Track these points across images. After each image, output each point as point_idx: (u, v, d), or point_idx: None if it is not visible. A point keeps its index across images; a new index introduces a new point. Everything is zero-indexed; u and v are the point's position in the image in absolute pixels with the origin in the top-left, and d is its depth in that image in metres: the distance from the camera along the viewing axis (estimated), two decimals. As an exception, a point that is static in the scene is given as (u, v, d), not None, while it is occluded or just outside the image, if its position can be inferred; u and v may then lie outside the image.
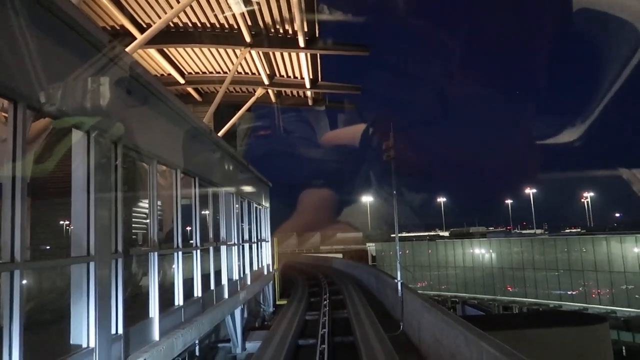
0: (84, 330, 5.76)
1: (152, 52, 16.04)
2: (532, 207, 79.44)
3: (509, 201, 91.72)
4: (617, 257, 42.83)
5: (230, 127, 19.36)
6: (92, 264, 5.84)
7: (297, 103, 21.95)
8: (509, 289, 50.10)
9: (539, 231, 75.82)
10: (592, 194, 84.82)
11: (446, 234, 76.91)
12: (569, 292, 45.67)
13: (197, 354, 11.67)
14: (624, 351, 40.90)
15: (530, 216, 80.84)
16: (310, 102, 21.74)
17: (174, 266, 9.60)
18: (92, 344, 5.76)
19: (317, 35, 15.58)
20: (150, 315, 7.81)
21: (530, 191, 79.67)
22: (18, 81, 4.71)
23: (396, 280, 17.54)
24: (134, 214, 13.41)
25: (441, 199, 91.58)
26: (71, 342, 5.74)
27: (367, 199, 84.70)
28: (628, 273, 41.84)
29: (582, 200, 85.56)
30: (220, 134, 17.71)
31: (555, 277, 47.00)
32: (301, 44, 15.43)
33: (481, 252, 54.00)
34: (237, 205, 15.73)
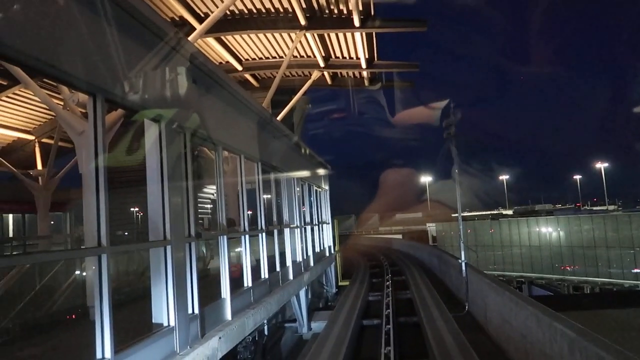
0: (164, 309, 6.10)
1: (211, 41, 16.38)
2: (603, 182, 74.86)
3: (577, 177, 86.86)
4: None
5: (287, 111, 19.52)
6: (168, 248, 6.15)
7: (353, 84, 21.74)
8: (575, 267, 47.83)
9: (611, 207, 71.40)
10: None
11: (510, 212, 74.20)
12: (647, 271, 42.93)
13: (265, 333, 12.07)
14: None
15: (601, 192, 76.20)
16: (366, 83, 21.47)
17: (240, 249, 9.93)
18: (172, 323, 6.09)
19: (372, 14, 15.28)
20: (222, 296, 8.13)
21: (601, 165, 74.97)
22: (96, 75, 4.96)
23: (460, 261, 17.23)
24: (201, 200, 13.97)
25: (504, 177, 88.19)
26: (153, 321, 6.09)
27: (425, 179, 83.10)
28: None
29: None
30: (278, 118, 17.94)
31: (631, 256, 44.26)
32: (356, 23, 15.19)
33: (548, 230, 51.69)
34: (298, 189, 15.96)
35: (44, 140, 17.38)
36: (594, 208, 73.59)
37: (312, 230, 18.42)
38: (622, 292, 40.47)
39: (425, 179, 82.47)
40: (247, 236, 9.73)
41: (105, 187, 4.88)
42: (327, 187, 23.28)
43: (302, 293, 14.66)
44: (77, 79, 4.70)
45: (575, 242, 48.81)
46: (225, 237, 8.37)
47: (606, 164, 74.51)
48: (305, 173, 17.86)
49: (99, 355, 4.68)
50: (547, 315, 8.54)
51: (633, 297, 31.39)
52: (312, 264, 16.79)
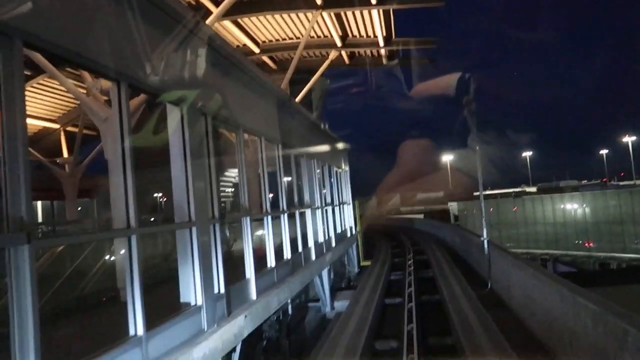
0: (191, 289, 6.29)
1: (227, 24, 16.38)
2: (630, 156, 72.92)
3: (603, 151, 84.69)
4: None
5: (306, 92, 19.50)
6: (194, 229, 6.31)
7: (371, 63, 21.54)
8: (596, 244, 47.11)
9: (639, 182, 69.63)
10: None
11: (533, 189, 73.02)
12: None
13: (290, 312, 12.31)
14: None
15: (629, 167, 74.28)
16: (384, 61, 21.25)
17: (263, 231, 10.09)
18: (199, 302, 6.28)
19: (389, -10, 15.07)
20: (246, 276, 8.32)
21: (628, 139, 72.95)
22: (120, 62, 5.07)
23: (482, 238, 17.15)
24: (221, 183, 14.17)
25: (527, 153, 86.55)
26: (181, 300, 6.29)
27: (447, 157, 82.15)
28: None
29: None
30: (297, 100, 17.94)
31: (660, 231, 43.36)
32: (373, 0, 15.00)
33: (573, 207, 50.84)
34: (318, 170, 16.04)
35: (69, 128, 17.75)
36: (621, 183, 71.86)
37: (333, 211, 18.54)
38: (649, 267, 39.79)
39: (447, 157, 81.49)
40: (269, 218, 9.87)
41: (131, 170, 5.03)
42: (347, 168, 23.31)
43: (324, 273, 14.85)
44: (103, 65, 4.82)
45: (601, 218, 47.94)
46: (248, 218, 8.52)
47: (634, 138, 72.41)
48: (325, 154, 17.91)
49: (132, 332, 4.88)
50: (571, 291, 8.49)
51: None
52: (333, 244, 16.95)
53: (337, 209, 19.70)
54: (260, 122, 10.03)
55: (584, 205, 49.87)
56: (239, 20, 16.64)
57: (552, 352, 9.17)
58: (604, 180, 77.95)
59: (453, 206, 64.55)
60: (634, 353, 5.81)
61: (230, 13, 14.47)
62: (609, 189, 56.10)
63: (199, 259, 6.27)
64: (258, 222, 10.19)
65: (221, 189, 13.94)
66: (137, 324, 4.86)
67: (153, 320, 5.25)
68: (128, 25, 5.22)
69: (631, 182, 69.24)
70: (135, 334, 4.86)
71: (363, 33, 18.41)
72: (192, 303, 6.26)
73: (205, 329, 6.31)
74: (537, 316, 10.56)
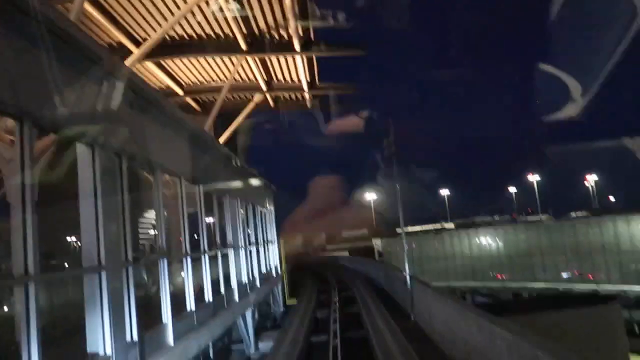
0: (99, 338, 5.94)
1: (150, 65, 16.21)
2: (536, 194, 79.14)
3: (512, 189, 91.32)
4: (624, 237, 42.84)
5: (230, 134, 19.54)
6: (103, 274, 6.02)
7: (295, 106, 22.10)
8: (505, 277, 50.33)
9: (544, 216, 75.50)
10: (595, 177, 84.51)
11: (451, 225, 76.73)
12: (577, 274, 45.67)
13: (211, 356, 11.85)
14: (636, 329, 40.89)
15: (535, 202, 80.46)
16: (308, 105, 21.89)
17: (183, 273, 9.80)
18: (108, 352, 5.94)
19: (312, 38, 15.71)
20: (163, 321, 7.99)
21: (533, 178, 79.35)
22: (23, 99, 4.88)
23: (405, 273, 17.69)
24: (140, 225, 13.64)
25: (444, 191, 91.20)
26: (88, 350, 5.92)
27: (370, 195, 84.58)
28: (636, 252, 41.85)
29: (586, 183, 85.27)
30: (221, 141, 17.91)
31: (564, 261, 47.03)
32: (297, 47, 15.55)
33: (487, 241, 54.02)
34: (242, 211, 15.93)
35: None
36: (529, 218, 77.53)
37: (258, 250, 18.37)
38: (555, 295, 42.81)
39: (370, 196, 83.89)
40: (189, 259, 9.63)
41: (32, 212, 4.78)
42: (272, 208, 23.33)
43: (248, 314, 14.55)
44: (2, 103, 4.62)
45: (513, 251, 51.28)
46: (165, 259, 8.27)
47: (537, 177, 78.84)
48: (249, 194, 17.86)
49: (28, 388, 4.51)
50: (487, 320, 8.95)
51: (565, 299, 33.34)
52: (258, 284, 16.71)
53: (261, 248, 19.54)
54: (179, 163, 9.90)
55: (497, 239, 53.18)
56: (162, 62, 16.53)
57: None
58: (513, 215, 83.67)
59: (377, 243, 66.14)
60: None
61: (152, 55, 14.38)
62: (518, 224, 60.33)
63: (108, 304, 5.97)
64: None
65: (143, 230, 13.43)
66: (35, 379, 4.50)
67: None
68: (35, 62, 5.07)
69: (537, 217, 74.92)
70: (33, 390, 4.50)
71: (287, 78, 18.94)
72: (101, 353, 5.90)
73: (116, 381, 5.96)
74: (458, 346, 10.98)
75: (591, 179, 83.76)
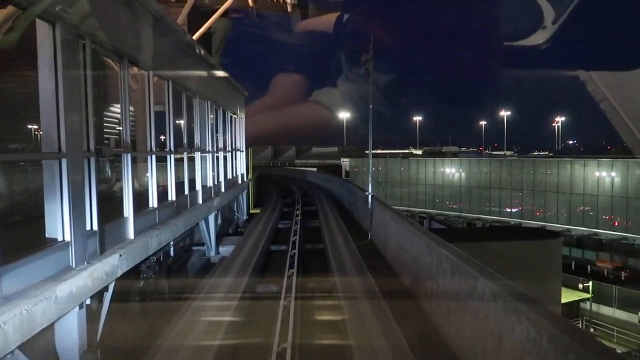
0: (58, 224, 5.87)
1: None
2: (504, 129, 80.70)
3: (482, 122, 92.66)
4: (578, 179, 44.82)
5: (205, 30, 18.54)
6: (64, 161, 5.84)
7: (275, 8, 20.98)
8: (460, 205, 52.72)
9: (509, 153, 77.72)
10: (563, 118, 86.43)
11: (419, 152, 78.17)
12: (530, 212, 48.14)
13: (172, 254, 12.11)
14: (572, 266, 44.22)
15: (504, 139, 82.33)
16: (289, 9, 20.83)
17: (148, 174, 9.67)
18: (67, 238, 5.92)
19: None
20: (124, 215, 7.98)
21: (504, 113, 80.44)
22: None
23: (367, 193, 18.12)
24: (106, 119, 13.16)
25: (417, 118, 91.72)
26: (47, 235, 5.88)
27: (343, 115, 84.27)
28: (587, 195, 44.07)
29: (554, 124, 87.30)
30: (194, 37, 16.99)
31: (519, 197, 49.24)
32: (281, -58, 14.46)
33: (452, 171, 55.57)
34: (212, 115, 15.55)
35: None
36: (494, 152, 79.62)
37: (225, 157, 18.25)
38: (506, 227, 45.29)
39: (344, 115, 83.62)
40: (153, 157, 9.46)
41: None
42: (243, 115, 22.90)
43: (211, 218, 14.74)
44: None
45: (473, 183, 53.12)
46: (129, 155, 8.09)
47: (508, 113, 79.95)
48: (220, 97, 17.36)
49: (-20, 267, 4.48)
50: (436, 243, 9.40)
51: (513, 231, 35.32)
52: (223, 190, 16.79)
53: (229, 155, 19.42)
54: (149, 56, 9.37)
55: (461, 170, 54.74)
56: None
57: (414, 296, 10.18)
58: (480, 149, 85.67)
59: (345, 162, 67.06)
60: (480, 296, 6.69)
61: None
62: (483, 157, 61.96)
63: (68, 193, 5.85)
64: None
65: (109, 125, 12.99)
66: (-13, 257, 4.46)
67: (12, 255, 4.87)
68: None
69: (502, 153, 76.96)
70: (-15, 269, 4.47)
71: (269, -25, 17.78)
72: (59, 239, 5.87)
73: (74, 266, 5.99)
74: (407, 265, 11.58)
75: (558, 120, 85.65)
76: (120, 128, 8.23)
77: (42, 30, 5.71)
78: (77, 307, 5.94)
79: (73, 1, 6.04)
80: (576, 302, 37.20)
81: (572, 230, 44.69)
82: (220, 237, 16.71)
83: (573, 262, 44.82)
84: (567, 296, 34.03)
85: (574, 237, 45.45)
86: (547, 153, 70.11)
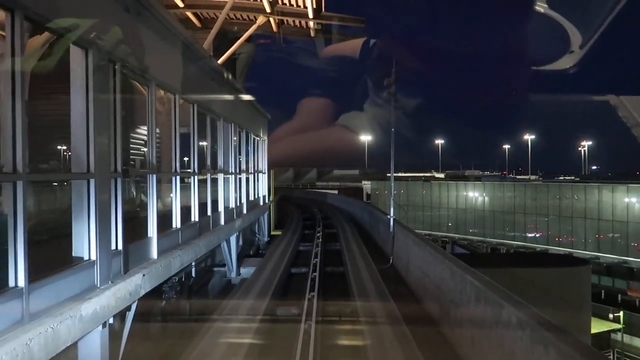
0: (85, 243, 5.99)
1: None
2: (529, 154, 79.52)
3: (506, 146, 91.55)
4: (607, 205, 43.61)
5: (230, 55, 18.96)
6: (92, 181, 5.97)
7: (299, 33, 21.36)
8: (480, 230, 51.69)
9: (533, 177, 76.36)
10: (589, 142, 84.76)
11: (442, 175, 77.44)
12: (556, 238, 46.93)
13: (193, 275, 12.16)
14: (602, 294, 42.70)
15: (527, 162, 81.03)
16: (312, 34, 21.17)
17: (171, 195, 9.81)
18: (93, 257, 6.01)
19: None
20: (148, 235, 8.08)
21: (528, 137, 79.35)
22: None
23: (389, 216, 17.96)
24: (133, 141, 13.46)
25: (439, 141, 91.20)
26: (73, 254, 5.98)
27: (365, 138, 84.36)
28: (616, 222, 42.80)
29: (579, 149, 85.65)
30: (219, 61, 17.39)
31: (544, 222, 48.11)
32: (305, -31, 14.82)
33: (475, 195, 54.79)
34: (235, 137, 15.77)
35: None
36: (518, 177, 78.34)
37: (247, 178, 18.42)
38: (531, 253, 44.13)
39: (365, 137, 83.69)
40: (177, 178, 9.60)
41: (22, 112, 4.62)
42: (265, 137, 23.15)
43: (232, 239, 14.80)
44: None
45: (497, 207, 52.19)
46: (154, 175, 8.23)
47: (533, 136, 78.83)
48: (244, 120, 17.62)
49: (12, 283, 4.57)
50: (460, 268, 9.21)
51: (540, 258, 34.38)
52: (245, 211, 16.89)
53: (251, 176, 19.59)
54: (176, 79, 9.61)
55: (484, 194, 53.92)
56: (164, -31, 15.66)
57: (437, 322, 9.95)
58: (504, 173, 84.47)
59: (367, 185, 66.85)
60: (506, 324, 6.49)
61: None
62: (507, 181, 61.02)
63: (95, 212, 5.97)
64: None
65: (135, 146, 13.27)
66: (17, 274, 4.55)
67: (39, 273, 4.96)
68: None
69: (526, 177, 75.63)
70: (16, 285, 4.56)
71: (293, 2, 18.16)
72: (85, 257, 5.97)
73: (99, 285, 6.07)
74: (430, 290, 11.36)
75: (585, 145, 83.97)
76: (146, 149, 8.40)
77: (76, 55, 5.93)
78: (101, 326, 5.99)
79: (107, 28, 6.26)
80: (607, 333, 35.76)
81: (601, 258, 43.29)
82: (242, 258, 16.74)
83: (603, 291, 43.27)
84: (597, 326, 32.75)
85: (603, 265, 43.99)
86: (573, 178, 68.61)
